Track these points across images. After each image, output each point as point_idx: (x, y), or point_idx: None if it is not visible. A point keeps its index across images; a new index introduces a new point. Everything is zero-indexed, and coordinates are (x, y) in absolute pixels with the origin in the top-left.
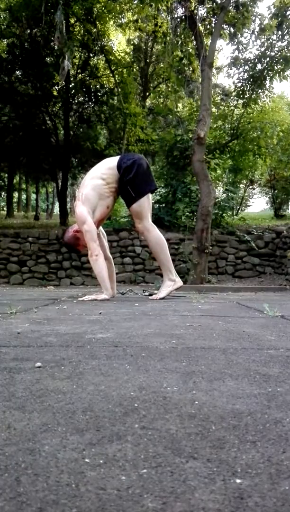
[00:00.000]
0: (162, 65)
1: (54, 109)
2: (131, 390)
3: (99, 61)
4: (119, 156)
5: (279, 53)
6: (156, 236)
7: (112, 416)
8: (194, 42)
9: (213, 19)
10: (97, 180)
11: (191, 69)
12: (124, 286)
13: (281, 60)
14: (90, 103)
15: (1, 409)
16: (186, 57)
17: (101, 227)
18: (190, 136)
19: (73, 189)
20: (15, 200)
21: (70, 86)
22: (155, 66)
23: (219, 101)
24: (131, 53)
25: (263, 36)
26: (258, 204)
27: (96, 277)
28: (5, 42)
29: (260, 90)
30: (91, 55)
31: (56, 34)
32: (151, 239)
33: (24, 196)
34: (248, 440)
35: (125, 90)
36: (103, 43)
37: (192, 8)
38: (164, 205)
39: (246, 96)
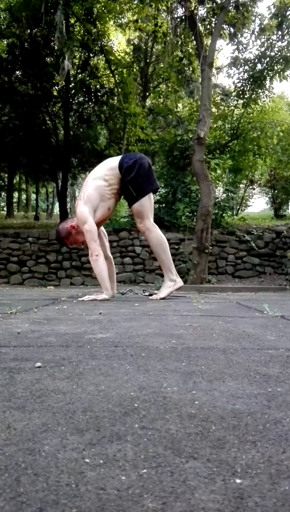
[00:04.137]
0: (162, 65)
1: (54, 109)
2: (131, 390)
3: (99, 61)
4: (121, 156)
5: (279, 53)
6: (157, 236)
7: (112, 416)
8: (194, 42)
9: (213, 19)
10: (99, 181)
11: (191, 69)
12: (124, 286)
13: (281, 60)
14: (90, 103)
15: (1, 409)
16: (186, 57)
17: (102, 227)
18: (190, 136)
19: (73, 189)
20: (15, 200)
21: (70, 86)
22: (155, 66)
23: (219, 101)
24: (131, 53)
25: (263, 36)
26: (258, 204)
27: (96, 277)
28: (5, 42)
29: (260, 90)
30: (91, 55)
31: (56, 34)
32: (152, 239)
33: (24, 196)
34: (248, 440)
35: (125, 90)
36: (103, 43)
37: (192, 8)
38: (164, 205)
39: (246, 96)
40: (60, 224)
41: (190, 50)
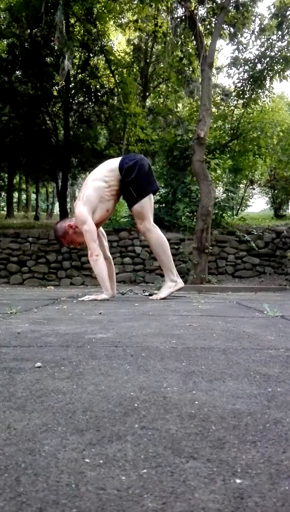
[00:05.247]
0: (162, 65)
1: (54, 109)
2: (131, 390)
3: (99, 61)
4: (121, 157)
5: (279, 53)
6: (157, 237)
7: (112, 416)
8: (194, 42)
9: (213, 19)
10: (99, 182)
11: (191, 69)
12: (124, 286)
13: (281, 60)
14: (90, 103)
15: (1, 409)
16: (186, 57)
17: (101, 227)
18: (190, 136)
19: (73, 189)
20: (15, 200)
21: (70, 86)
22: (155, 66)
23: (219, 101)
24: (131, 53)
25: (263, 36)
26: (258, 204)
27: (96, 277)
28: (5, 42)
29: (260, 90)
30: (91, 55)
31: (56, 34)
32: (153, 239)
33: (24, 196)
34: (248, 440)
35: (125, 90)
36: (103, 43)
37: (192, 8)
38: (164, 205)
39: (246, 96)
40: (58, 223)
41: (190, 50)
